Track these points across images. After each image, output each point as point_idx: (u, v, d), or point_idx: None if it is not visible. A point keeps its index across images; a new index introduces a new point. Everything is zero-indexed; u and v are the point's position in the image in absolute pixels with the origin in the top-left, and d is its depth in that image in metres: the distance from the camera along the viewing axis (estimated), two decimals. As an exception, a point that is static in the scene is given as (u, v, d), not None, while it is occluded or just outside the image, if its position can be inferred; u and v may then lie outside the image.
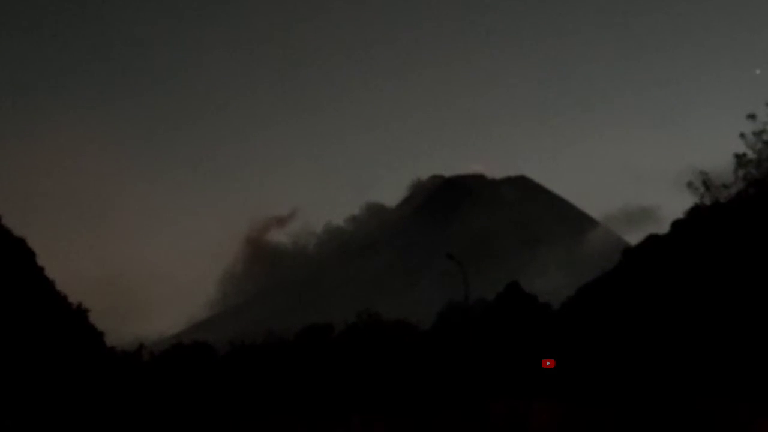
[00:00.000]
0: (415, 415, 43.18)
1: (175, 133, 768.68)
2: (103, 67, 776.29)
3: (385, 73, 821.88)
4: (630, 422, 33.92)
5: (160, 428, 47.62)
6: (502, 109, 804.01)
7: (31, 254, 46.59)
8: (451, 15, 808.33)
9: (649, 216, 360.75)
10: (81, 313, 49.54)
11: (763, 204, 33.93)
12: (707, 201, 36.87)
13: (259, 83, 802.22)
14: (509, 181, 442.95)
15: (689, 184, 36.66)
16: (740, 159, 35.24)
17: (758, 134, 34.83)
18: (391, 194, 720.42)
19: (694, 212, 38.43)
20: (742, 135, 35.12)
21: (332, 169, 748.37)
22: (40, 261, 47.12)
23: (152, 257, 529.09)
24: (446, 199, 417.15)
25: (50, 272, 47.61)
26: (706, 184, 36.33)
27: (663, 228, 43.13)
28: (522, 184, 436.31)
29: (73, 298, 49.28)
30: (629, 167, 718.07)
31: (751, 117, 34.91)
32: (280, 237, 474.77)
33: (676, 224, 40.67)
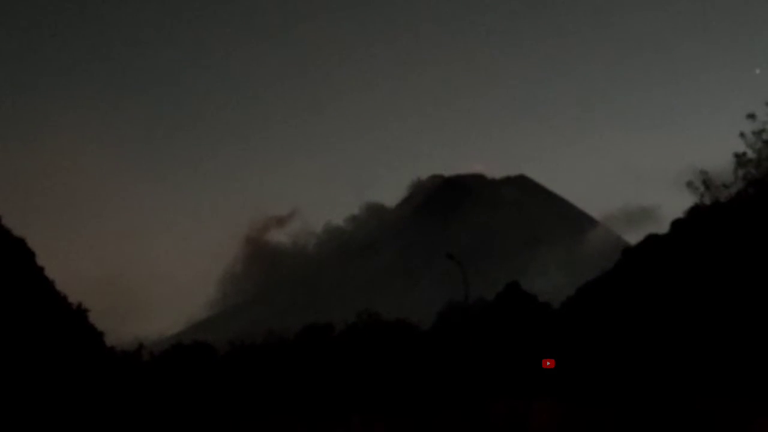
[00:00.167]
0: (415, 415, 43.24)
1: (175, 133, 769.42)
2: (102, 67, 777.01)
3: (385, 73, 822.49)
4: (630, 422, 33.99)
5: (161, 428, 47.67)
6: (502, 109, 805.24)
7: (30, 254, 46.60)
8: (451, 15, 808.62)
9: (649, 216, 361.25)
10: (81, 313, 49.53)
11: (763, 204, 33.97)
12: (707, 200, 36.92)
13: (258, 83, 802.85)
14: (509, 180, 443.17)
15: (689, 184, 36.73)
16: (740, 158, 35.28)
17: (758, 134, 34.88)
18: (391, 194, 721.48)
19: (694, 212, 38.49)
20: (742, 134, 35.18)
21: (332, 169, 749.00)
22: (40, 261, 47.15)
23: (152, 257, 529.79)
24: (446, 199, 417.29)
25: (50, 272, 47.67)
26: (706, 183, 36.38)
27: (663, 228, 43.27)
28: (522, 184, 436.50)
29: (73, 298, 49.32)
30: (629, 167, 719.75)
31: (751, 116, 34.97)
32: (279, 237, 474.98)
33: (676, 224, 40.74)
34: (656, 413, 33.16)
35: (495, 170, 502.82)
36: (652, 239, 43.32)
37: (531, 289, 53.83)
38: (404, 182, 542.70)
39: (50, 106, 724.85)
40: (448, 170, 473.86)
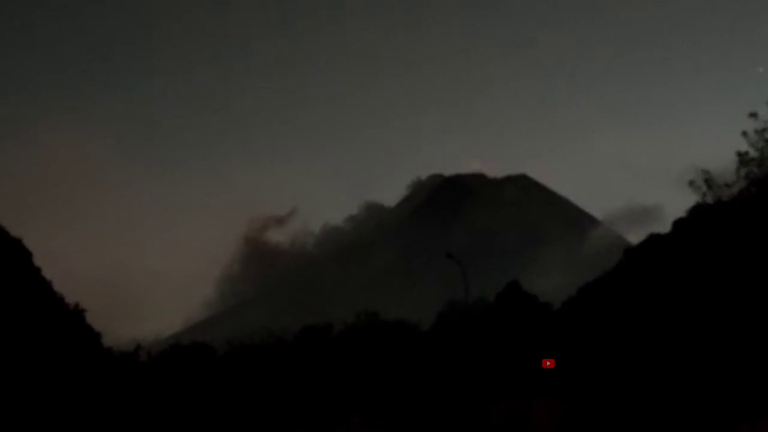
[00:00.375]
0: (415, 415, 43.30)
1: (173, 131, 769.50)
2: (99, 66, 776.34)
3: (385, 72, 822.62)
4: (631, 422, 34.06)
5: (159, 429, 47.71)
6: (502, 108, 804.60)
7: (27, 254, 46.65)
8: (451, 13, 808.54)
9: (651, 215, 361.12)
10: (78, 313, 49.60)
11: (765, 203, 34.04)
12: (709, 200, 36.99)
13: (257, 81, 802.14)
14: (510, 180, 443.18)
15: (691, 183, 36.80)
16: (742, 157, 35.35)
17: (761, 132, 34.93)
18: (391, 194, 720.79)
19: (696, 211, 38.55)
20: (745, 133, 35.24)
21: (331, 169, 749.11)
22: (37, 261, 47.21)
23: (149, 257, 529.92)
24: (446, 199, 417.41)
25: (47, 272, 47.74)
26: (708, 182, 36.44)
27: (665, 227, 43.34)
28: (523, 183, 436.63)
29: (70, 299, 49.38)
30: (631, 166, 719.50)
31: (754, 115, 35.04)
32: (278, 237, 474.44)
33: (678, 223, 40.81)
34: (658, 413, 33.23)
35: (495, 169, 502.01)
36: (653, 239, 43.38)
37: (531, 289, 53.89)
38: (404, 182, 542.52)
39: (47, 105, 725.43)
40: (448, 169, 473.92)
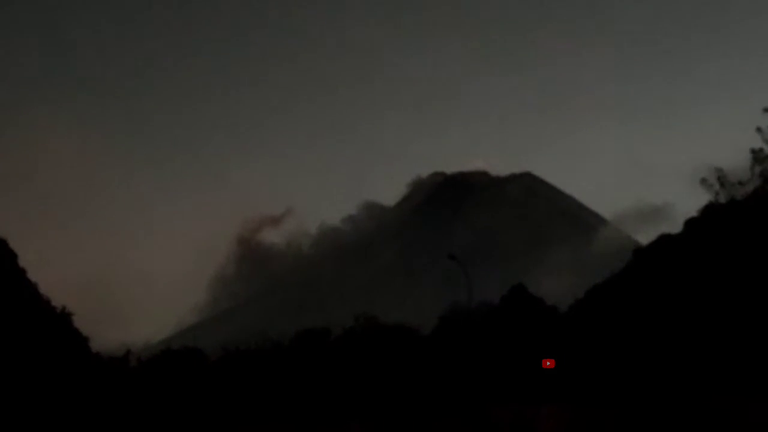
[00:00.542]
0: (416, 422, 43.34)
1: (162, 128, 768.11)
2: (85, 63, 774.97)
3: (384, 65, 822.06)
4: (643, 427, 34.09)
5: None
6: (506, 103, 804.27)
7: (13, 256, 46.70)
8: (454, 3, 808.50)
9: (662, 214, 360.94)
10: (65, 317, 49.64)
11: (780, 201, 34.13)
12: (722, 198, 37.09)
13: (251, 76, 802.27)
14: (514, 178, 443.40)
15: (703, 181, 36.95)
16: (757, 154, 35.46)
17: (775, 129, 35.02)
18: (390, 192, 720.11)
19: (709, 210, 38.65)
20: (759, 129, 35.33)
21: (328, 166, 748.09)
22: (23, 263, 47.26)
23: (138, 258, 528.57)
24: (447, 198, 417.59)
25: (33, 275, 47.79)
26: (721, 180, 36.55)
27: (676, 227, 43.43)
28: (527, 182, 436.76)
29: (57, 302, 49.43)
30: (640, 163, 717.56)
31: (768, 111, 35.10)
32: (273, 237, 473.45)
33: (690, 223, 40.90)
34: (670, 415, 33.27)
35: (499, 167, 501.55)
36: (664, 239, 43.47)
37: (537, 292, 53.98)
38: (403, 180, 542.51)
39: (32, 103, 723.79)
40: (450, 167, 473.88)
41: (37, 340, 44.25)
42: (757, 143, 35.66)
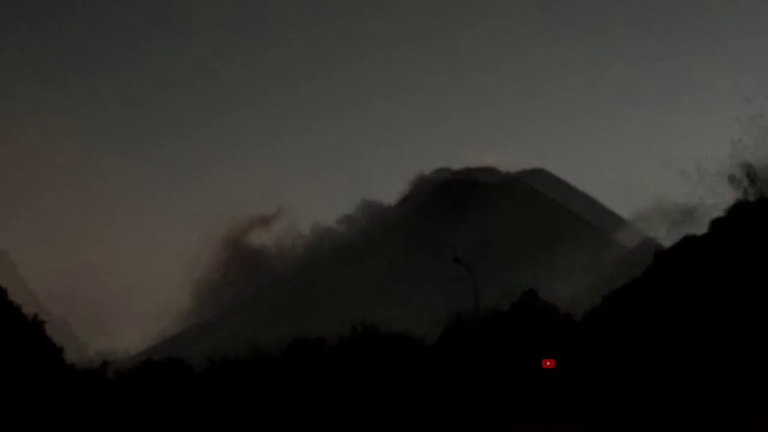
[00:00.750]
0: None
1: (143, 120, 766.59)
2: (62, 59, 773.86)
3: (384, 50, 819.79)
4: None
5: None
6: (517, 93, 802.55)
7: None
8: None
9: (685, 214, 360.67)
10: (37, 325, 49.75)
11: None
12: (752, 196, 37.09)
13: (236, 62, 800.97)
14: (525, 174, 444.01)
15: (731, 178, 36.92)
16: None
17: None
18: (390, 190, 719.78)
19: (737, 209, 38.68)
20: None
21: (322, 162, 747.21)
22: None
23: (117, 263, 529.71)
24: (453, 196, 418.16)
25: (2, 280, 47.91)
26: (751, 177, 36.56)
27: (701, 227, 43.42)
28: (540, 178, 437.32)
29: (28, 309, 49.51)
30: (663, 158, 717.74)
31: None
32: (263, 239, 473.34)
33: (716, 223, 40.94)
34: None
35: (509, 162, 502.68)
36: (688, 240, 43.53)
37: (550, 298, 54.12)
38: (405, 176, 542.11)
39: (6, 101, 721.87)
40: (456, 163, 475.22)
41: (6, 350, 44.29)
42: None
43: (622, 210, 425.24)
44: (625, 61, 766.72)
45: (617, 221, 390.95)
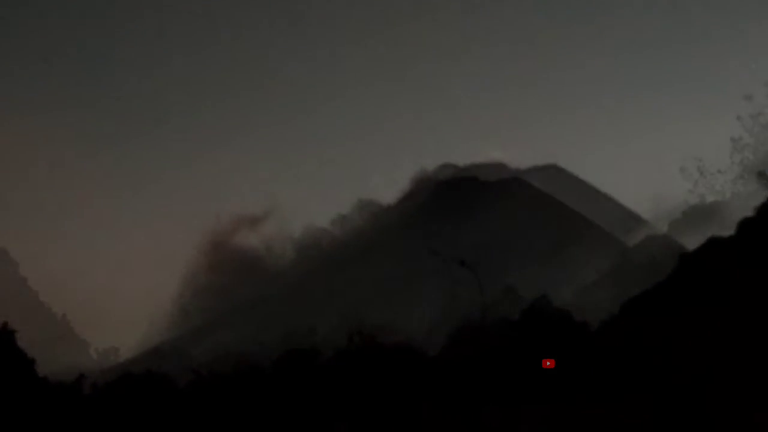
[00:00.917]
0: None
1: (123, 114, 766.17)
2: (48, 56, 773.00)
3: (382, 38, 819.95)
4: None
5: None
6: (528, 83, 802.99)
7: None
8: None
9: (711, 214, 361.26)
10: (8, 335, 49.79)
11: None
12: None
13: (224, 53, 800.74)
14: (536, 171, 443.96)
15: (760, 175, 36.93)
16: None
17: None
18: (389, 189, 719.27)
19: (766, 209, 38.70)
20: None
21: (316, 158, 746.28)
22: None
23: (94, 268, 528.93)
24: (458, 194, 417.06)
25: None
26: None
27: (728, 229, 43.47)
28: (553, 175, 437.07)
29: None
30: (686, 155, 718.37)
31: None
32: (251, 241, 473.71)
33: (744, 224, 40.98)
34: None
35: (519, 159, 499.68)
36: (714, 242, 43.58)
37: (563, 305, 54.09)
38: (406, 173, 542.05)
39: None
40: (461, 158, 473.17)
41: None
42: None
43: (643, 210, 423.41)
44: (648, 54, 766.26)
45: (637, 222, 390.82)
